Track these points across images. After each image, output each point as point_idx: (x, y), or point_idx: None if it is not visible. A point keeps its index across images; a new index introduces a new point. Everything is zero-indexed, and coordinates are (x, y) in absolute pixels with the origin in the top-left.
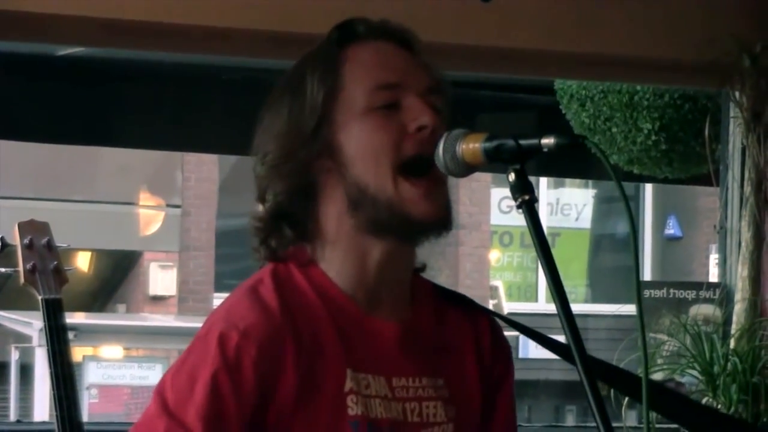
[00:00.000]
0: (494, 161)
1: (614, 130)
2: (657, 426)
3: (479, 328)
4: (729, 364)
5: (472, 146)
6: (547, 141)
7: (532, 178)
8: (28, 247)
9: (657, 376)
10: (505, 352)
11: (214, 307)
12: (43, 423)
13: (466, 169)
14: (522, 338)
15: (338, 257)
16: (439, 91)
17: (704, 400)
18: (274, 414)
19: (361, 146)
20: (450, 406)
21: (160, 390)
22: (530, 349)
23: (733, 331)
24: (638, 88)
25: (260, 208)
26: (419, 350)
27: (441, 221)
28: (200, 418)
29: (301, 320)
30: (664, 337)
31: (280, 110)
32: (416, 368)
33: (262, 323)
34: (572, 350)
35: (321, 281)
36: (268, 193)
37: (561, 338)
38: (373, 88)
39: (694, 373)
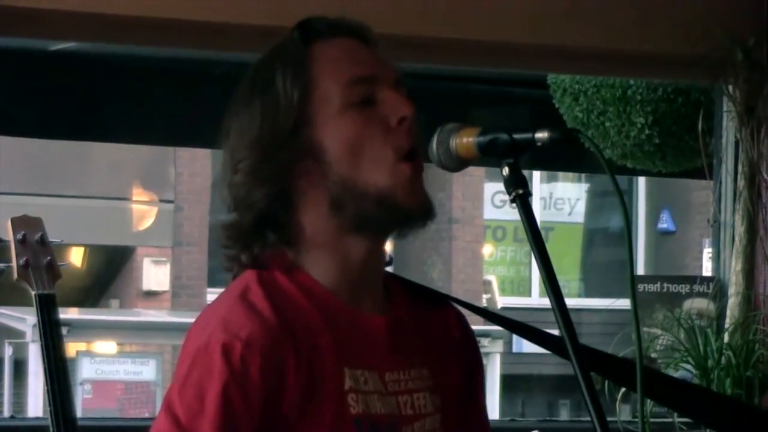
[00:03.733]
0: (488, 155)
1: (607, 124)
2: (651, 420)
3: (448, 318)
4: (723, 358)
5: (465, 140)
6: (541, 135)
7: (525, 172)
8: (22, 243)
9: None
10: (473, 340)
11: (202, 311)
12: (37, 418)
13: (460, 163)
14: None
15: (320, 259)
16: (403, 83)
17: None
18: (281, 420)
19: (348, 144)
20: (435, 396)
21: (168, 406)
22: (523, 344)
23: (727, 325)
24: (631, 82)
25: (233, 215)
26: (404, 342)
27: (428, 210)
28: (215, 430)
29: (295, 324)
30: (658, 332)
31: (250, 114)
32: (404, 361)
33: (261, 331)
34: (566, 344)
35: (307, 282)
36: (245, 200)
37: (554, 332)
38: (349, 83)
39: (688, 367)
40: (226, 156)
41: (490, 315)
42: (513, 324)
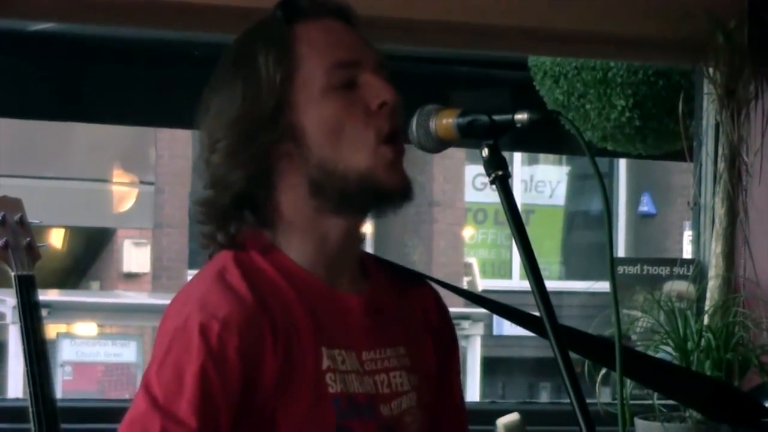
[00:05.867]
0: (468, 137)
1: (588, 106)
2: (631, 402)
3: (426, 298)
4: (703, 341)
5: (445, 121)
6: (521, 116)
7: (506, 155)
8: (1, 224)
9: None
10: (449, 322)
11: (179, 291)
12: (17, 399)
13: (440, 144)
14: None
15: (298, 240)
16: (386, 65)
17: None
18: (259, 400)
19: (329, 127)
20: (412, 374)
21: (146, 386)
22: (504, 326)
23: (706, 308)
24: (612, 64)
25: (210, 194)
26: (381, 321)
27: (407, 190)
28: (194, 411)
29: (273, 304)
30: (638, 314)
31: (231, 94)
32: (381, 339)
33: (239, 311)
34: (546, 327)
35: (284, 263)
36: (223, 180)
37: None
38: (331, 67)
39: (668, 349)
40: (203, 134)
41: (468, 294)
42: (492, 304)
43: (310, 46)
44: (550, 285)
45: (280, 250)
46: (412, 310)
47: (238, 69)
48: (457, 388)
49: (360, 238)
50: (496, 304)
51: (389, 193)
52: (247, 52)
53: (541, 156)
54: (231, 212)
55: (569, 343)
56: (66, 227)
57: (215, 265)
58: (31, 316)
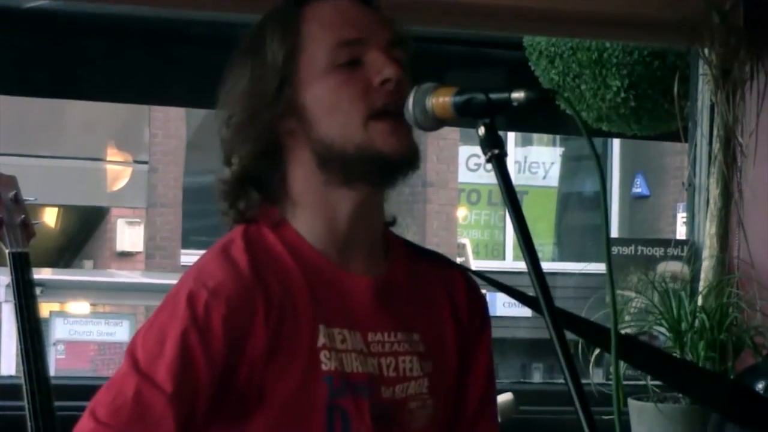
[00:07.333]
0: (464, 115)
1: (583, 87)
2: (625, 383)
3: (453, 283)
4: (696, 321)
5: (442, 100)
6: (518, 95)
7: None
8: None
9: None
10: (481, 305)
11: (183, 265)
12: (10, 377)
13: (436, 122)
14: (489, 296)
15: (308, 215)
16: (402, 43)
17: None
18: (245, 371)
19: (326, 103)
20: (425, 361)
21: (131, 349)
22: (497, 307)
23: (700, 288)
24: (607, 45)
25: (226, 170)
26: (394, 305)
27: (409, 156)
28: (170, 375)
29: (271, 278)
30: (632, 294)
31: (242, 72)
32: (391, 323)
33: (231, 281)
34: (541, 304)
35: (293, 239)
36: (233, 156)
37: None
38: (335, 45)
39: (662, 329)
40: (220, 111)
41: (494, 283)
42: (515, 292)
43: (317, 26)
44: (544, 266)
45: (291, 226)
46: (434, 295)
47: (249, 50)
48: (484, 375)
49: (376, 217)
50: (520, 294)
51: (390, 159)
52: (258, 34)
53: (535, 137)
54: (239, 189)
55: (566, 324)
56: (60, 206)
57: (225, 239)
58: (25, 293)
